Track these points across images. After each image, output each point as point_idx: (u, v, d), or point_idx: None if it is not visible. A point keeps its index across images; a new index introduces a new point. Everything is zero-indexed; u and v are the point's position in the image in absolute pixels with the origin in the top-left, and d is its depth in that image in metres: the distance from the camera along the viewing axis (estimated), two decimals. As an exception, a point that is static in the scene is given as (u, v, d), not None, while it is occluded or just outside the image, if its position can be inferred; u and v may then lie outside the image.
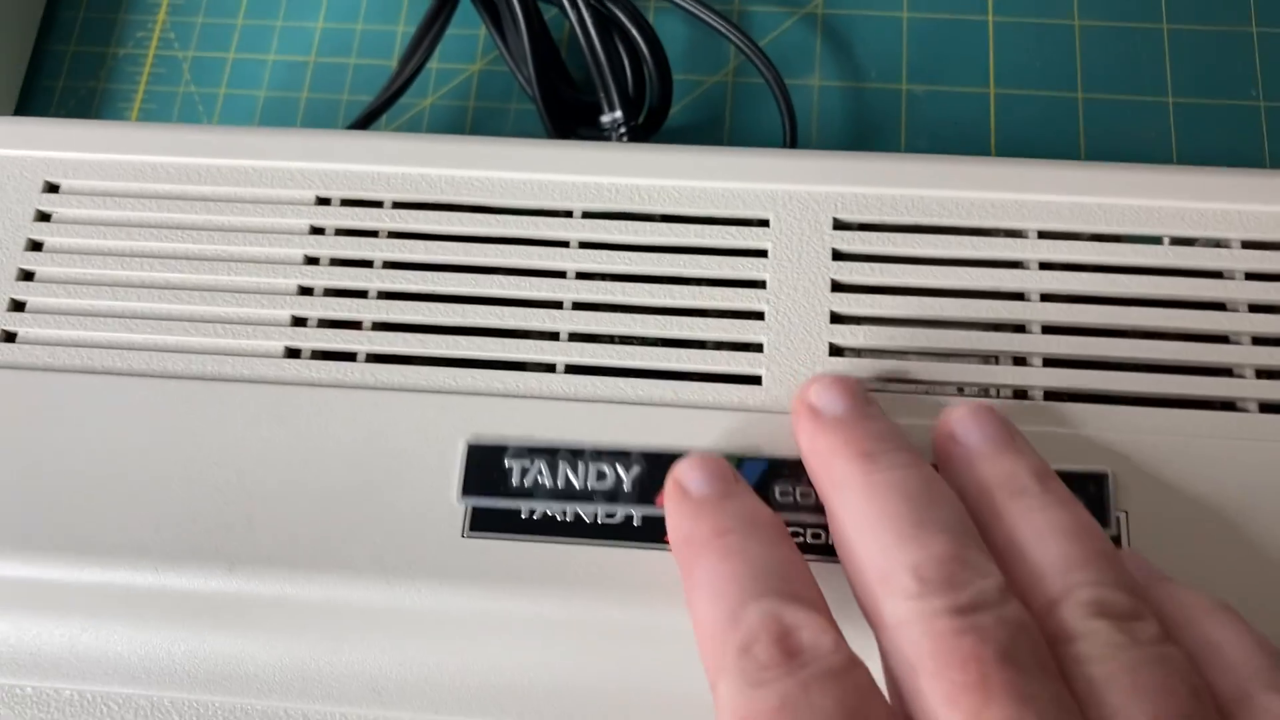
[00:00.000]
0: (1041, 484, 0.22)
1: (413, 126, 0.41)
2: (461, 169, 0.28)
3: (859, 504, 0.21)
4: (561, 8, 0.35)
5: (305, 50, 0.42)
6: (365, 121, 0.37)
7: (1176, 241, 0.26)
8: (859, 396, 0.24)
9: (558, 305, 0.26)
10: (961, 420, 0.23)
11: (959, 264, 0.26)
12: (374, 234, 0.27)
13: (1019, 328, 0.26)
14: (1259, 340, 0.25)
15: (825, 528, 0.23)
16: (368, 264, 0.27)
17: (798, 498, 0.24)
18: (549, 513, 0.24)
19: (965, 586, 0.19)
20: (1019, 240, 0.26)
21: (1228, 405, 0.25)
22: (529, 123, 0.40)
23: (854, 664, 0.19)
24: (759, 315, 0.26)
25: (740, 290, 0.26)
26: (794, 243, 0.26)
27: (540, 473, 0.24)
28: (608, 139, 0.36)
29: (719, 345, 0.26)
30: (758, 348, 0.26)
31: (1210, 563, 0.23)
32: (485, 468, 0.24)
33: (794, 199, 0.27)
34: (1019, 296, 0.26)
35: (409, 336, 0.26)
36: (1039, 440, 0.24)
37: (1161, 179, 0.26)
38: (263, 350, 0.26)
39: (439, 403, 0.25)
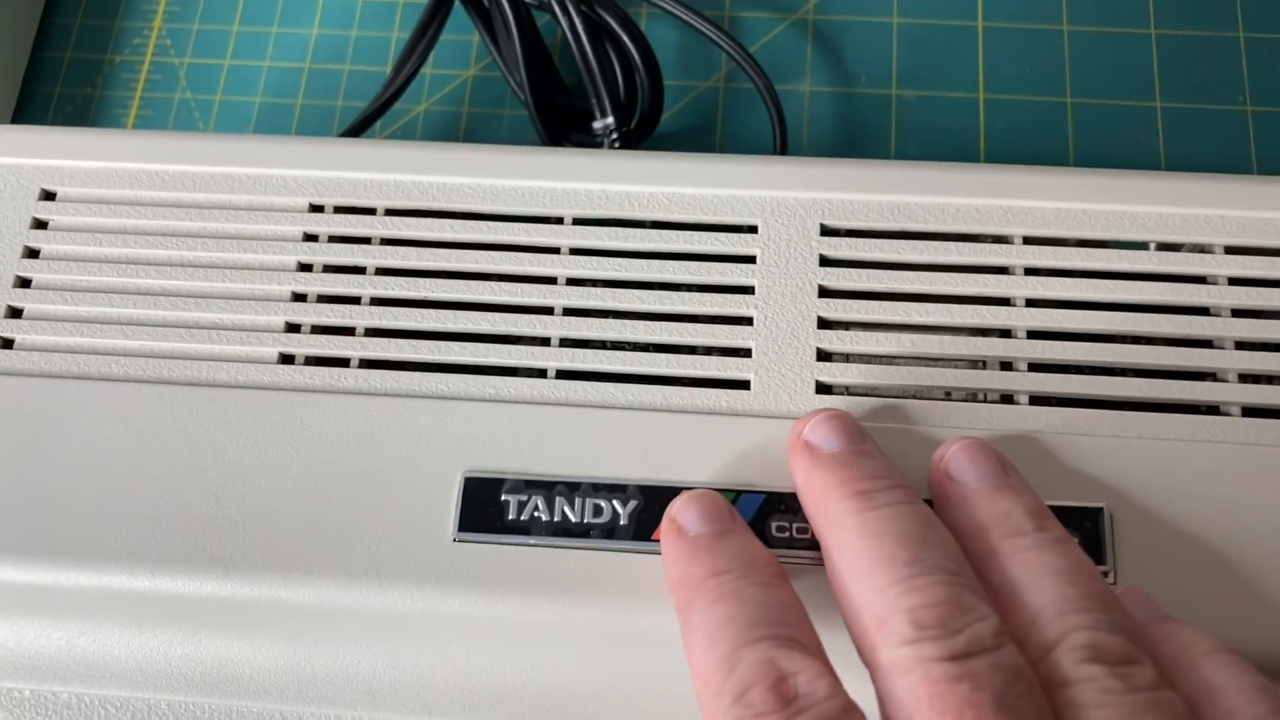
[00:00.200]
0: (1037, 523, 0.22)
1: (407, 131, 0.41)
2: (452, 176, 0.28)
3: (854, 544, 0.21)
4: (553, 14, 0.35)
5: (300, 57, 0.42)
6: (360, 126, 0.37)
7: (1162, 247, 0.27)
8: (855, 434, 0.23)
9: (549, 311, 0.27)
10: (957, 457, 0.23)
11: (945, 269, 0.26)
12: (367, 241, 0.28)
13: (1005, 333, 0.26)
14: (1242, 345, 0.25)
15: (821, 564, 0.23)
16: (361, 270, 0.27)
17: (794, 533, 0.24)
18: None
19: (960, 631, 0.19)
20: (1005, 246, 0.26)
21: (1211, 409, 0.25)
22: (522, 128, 0.40)
23: (850, 709, 0.19)
24: (748, 321, 0.26)
25: (729, 296, 0.26)
26: (782, 249, 0.27)
27: (537, 507, 0.24)
28: (600, 144, 0.36)
29: (708, 350, 0.26)
30: (746, 353, 0.26)
31: (1193, 566, 0.23)
32: (482, 503, 0.24)
33: (782, 205, 0.27)
34: (1005, 302, 0.26)
35: (402, 342, 0.26)
36: (1024, 447, 0.24)
37: (1146, 185, 0.27)
38: (257, 356, 0.26)
39: (431, 408, 0.25)
